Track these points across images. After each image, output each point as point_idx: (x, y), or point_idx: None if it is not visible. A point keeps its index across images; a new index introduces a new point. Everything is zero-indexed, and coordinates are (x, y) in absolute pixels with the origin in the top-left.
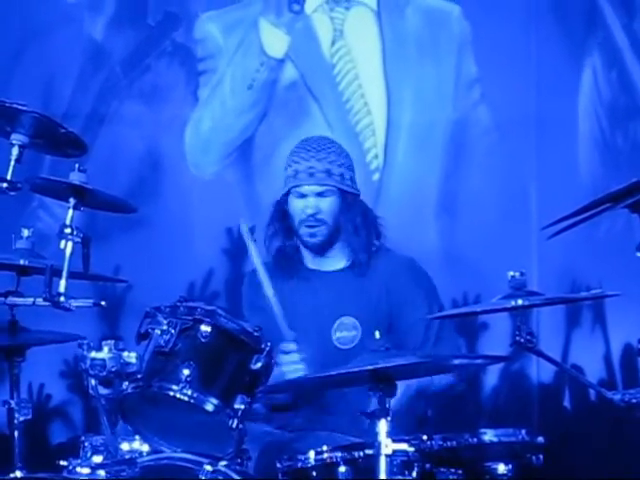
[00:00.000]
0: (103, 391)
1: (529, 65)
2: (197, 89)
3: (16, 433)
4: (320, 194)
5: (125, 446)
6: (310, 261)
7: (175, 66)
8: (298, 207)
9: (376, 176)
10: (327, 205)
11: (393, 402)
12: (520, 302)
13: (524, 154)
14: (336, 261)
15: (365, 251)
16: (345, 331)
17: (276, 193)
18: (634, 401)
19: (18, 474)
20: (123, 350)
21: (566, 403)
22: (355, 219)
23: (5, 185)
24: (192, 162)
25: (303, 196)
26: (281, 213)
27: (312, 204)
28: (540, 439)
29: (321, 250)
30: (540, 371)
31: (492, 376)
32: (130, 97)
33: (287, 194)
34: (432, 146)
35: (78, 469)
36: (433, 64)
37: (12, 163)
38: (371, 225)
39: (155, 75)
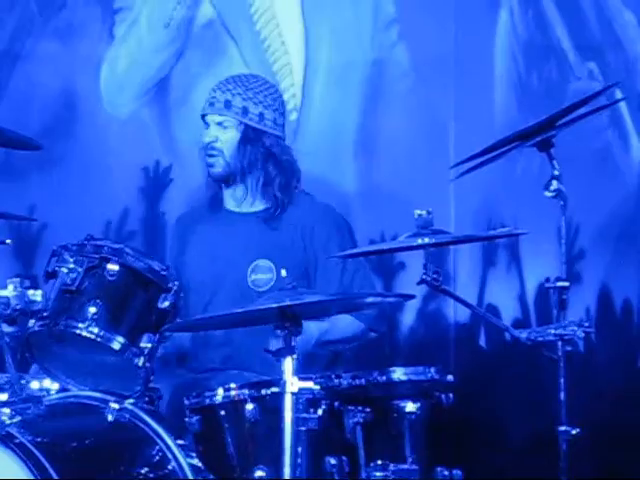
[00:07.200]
0: (7, 329)
1: (447, 4)
2: (113, 27)
3: None
4: (220, 124)
5: (35, 384)
6: (230, 203)
7: (91, 3)
8: (203, 136)
9: (294, 116)
10: (225, 136)
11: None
12: (426, 240)
13: (442, 94)
14: (255, 203)
15: (285, 194)
16: (260, 274)
17: (192, 132)
18: (540, 339)
19: None
20: (29, 288)
21: (482, 342)
22: (256, 155)
23: None
24: (108, 101)
25: (207, 125)
26: None
27: (211, 133)
28: (449, 377)
29: (226, 182)
30: (457, 311)
31: (409, 316)
32: (45, 35)
33: None
34: (350, 86)
35: None
36: (351, 3)
37: None
38: (288, 167)
39: (71, 12)
